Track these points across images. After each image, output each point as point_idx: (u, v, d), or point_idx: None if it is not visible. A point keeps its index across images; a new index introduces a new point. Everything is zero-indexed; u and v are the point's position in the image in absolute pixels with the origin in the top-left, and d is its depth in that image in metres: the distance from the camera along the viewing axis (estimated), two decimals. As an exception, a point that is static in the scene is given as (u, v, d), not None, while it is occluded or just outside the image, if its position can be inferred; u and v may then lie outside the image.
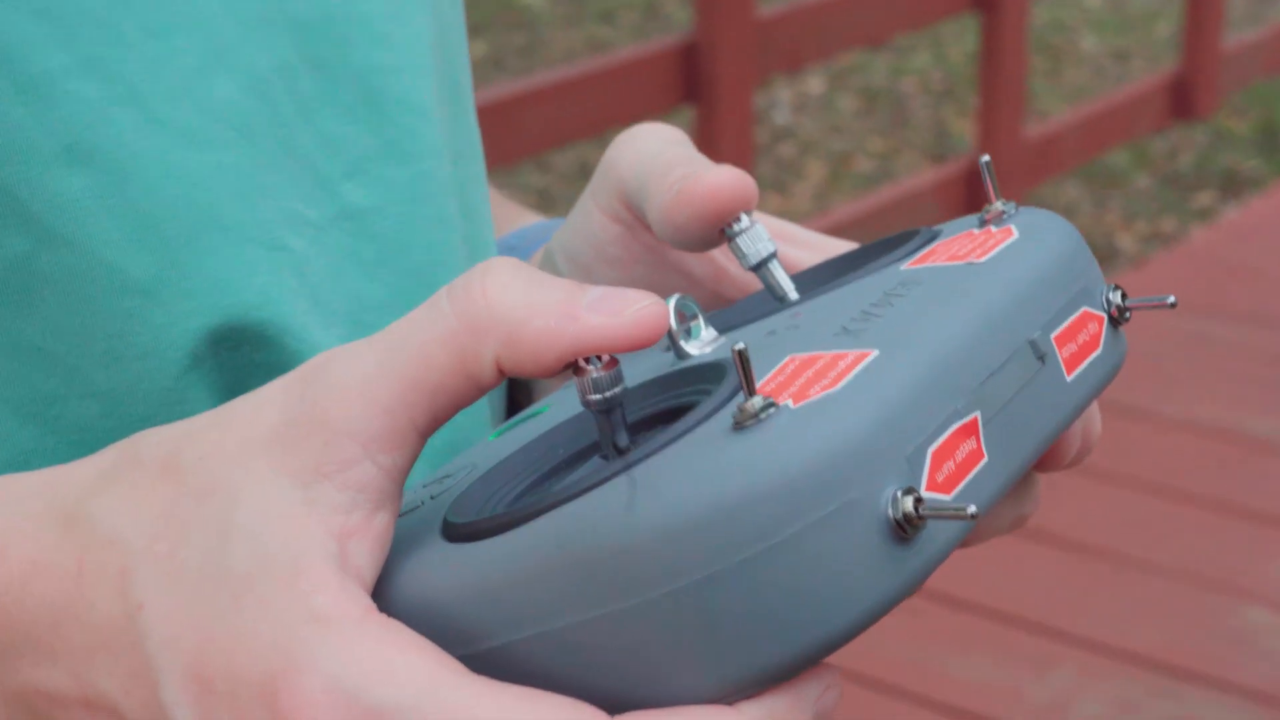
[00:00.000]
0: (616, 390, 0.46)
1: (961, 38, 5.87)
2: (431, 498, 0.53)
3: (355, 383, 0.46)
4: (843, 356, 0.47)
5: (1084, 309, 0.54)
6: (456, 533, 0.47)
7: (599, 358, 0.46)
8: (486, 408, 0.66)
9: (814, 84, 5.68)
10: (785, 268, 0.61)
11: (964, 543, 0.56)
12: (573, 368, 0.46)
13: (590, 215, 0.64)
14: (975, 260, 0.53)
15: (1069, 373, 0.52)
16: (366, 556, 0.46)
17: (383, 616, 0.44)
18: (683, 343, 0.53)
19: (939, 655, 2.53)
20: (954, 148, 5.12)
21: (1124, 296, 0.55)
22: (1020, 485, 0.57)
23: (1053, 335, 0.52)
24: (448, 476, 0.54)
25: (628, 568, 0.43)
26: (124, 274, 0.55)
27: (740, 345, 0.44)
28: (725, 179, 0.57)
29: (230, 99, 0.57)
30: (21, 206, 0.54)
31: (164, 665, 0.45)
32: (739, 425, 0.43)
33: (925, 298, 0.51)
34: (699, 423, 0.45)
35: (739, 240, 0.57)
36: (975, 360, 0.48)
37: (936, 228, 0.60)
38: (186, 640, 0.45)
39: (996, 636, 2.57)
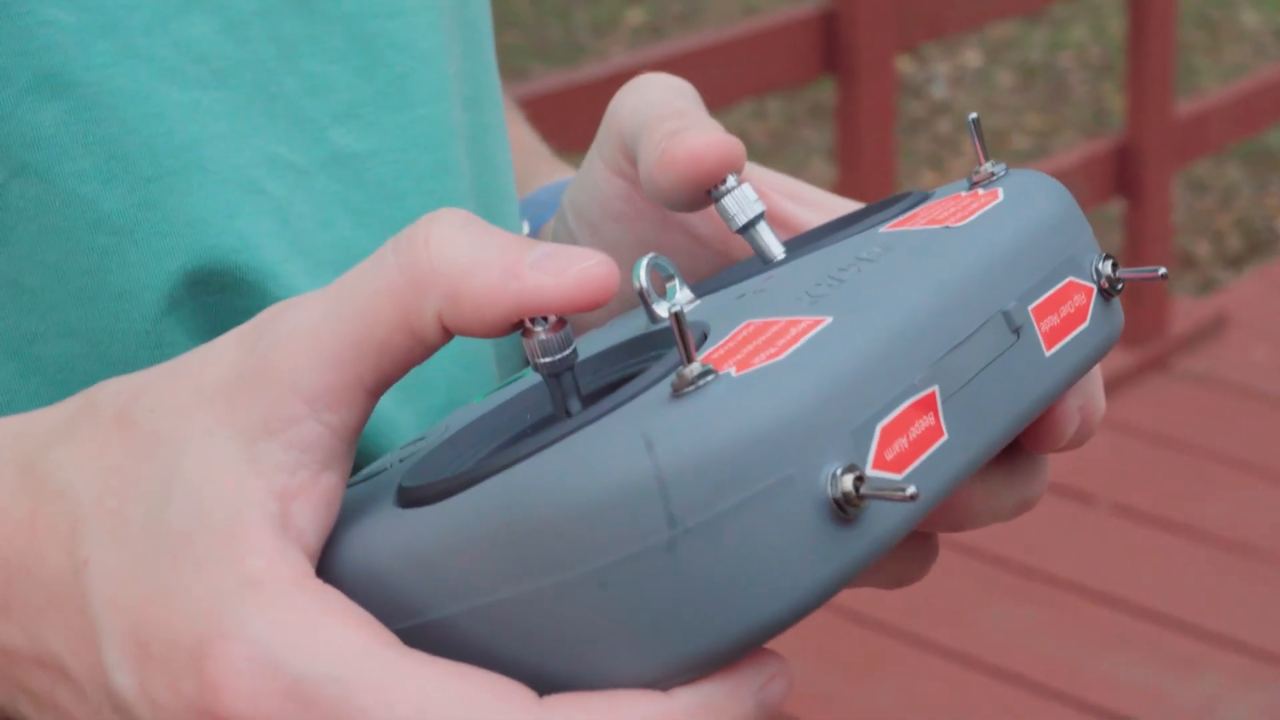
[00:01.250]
0: (565, 353, 0.45)
1: (1120, 9, 5.72)
2: (400, 460, 0.51)
3: (302, 336, 0.45)
4: (796, 323, 0.45)
5: (1069, 279, 0.51)
6: (406, 498, 0.46)
7: (545, 319, 0.45)
8: (493, 365, 0.65)
9: (971, 57, 5.56)
10: (792, 228, 0.59)
11: (954, 525, 0.55)
12: (520, 329, 0.45)
13: (595, 169, 0.62)
14: (952, 224, 0.51)
15: (1049, 347, 0.50)
16: (310, 518, 0.45)
17: (318, 583, 0.44)
18: (654, 305, 0.51)
19: (1087, 653, 2.47)
20: (1112, 125, 4.97)
21: (1115, 266, 0.52)
22: (1024, 466, 0.55)
23: (1031, 306, 0.49)
24: (421, 440, 0.53)
25: (555, 541, 0.41)
26: (98, 209, 0.54)
27: (677, 308, 0.42)
28: (707, 141, 0.54)
29: (206, 38, 0.56)
30: None
31: (105, 626, 0.44)
32: (676, 393, 0.42)
33: (893, 263, 0.49)
34: (640, 391, 0.43)
35: (724, 202, 0.55)
36: (937, 331, 0.46)
37: (929, 191, 0.57)
38: (127, 600, 0.44)
39: (1147, 636, 2.52)
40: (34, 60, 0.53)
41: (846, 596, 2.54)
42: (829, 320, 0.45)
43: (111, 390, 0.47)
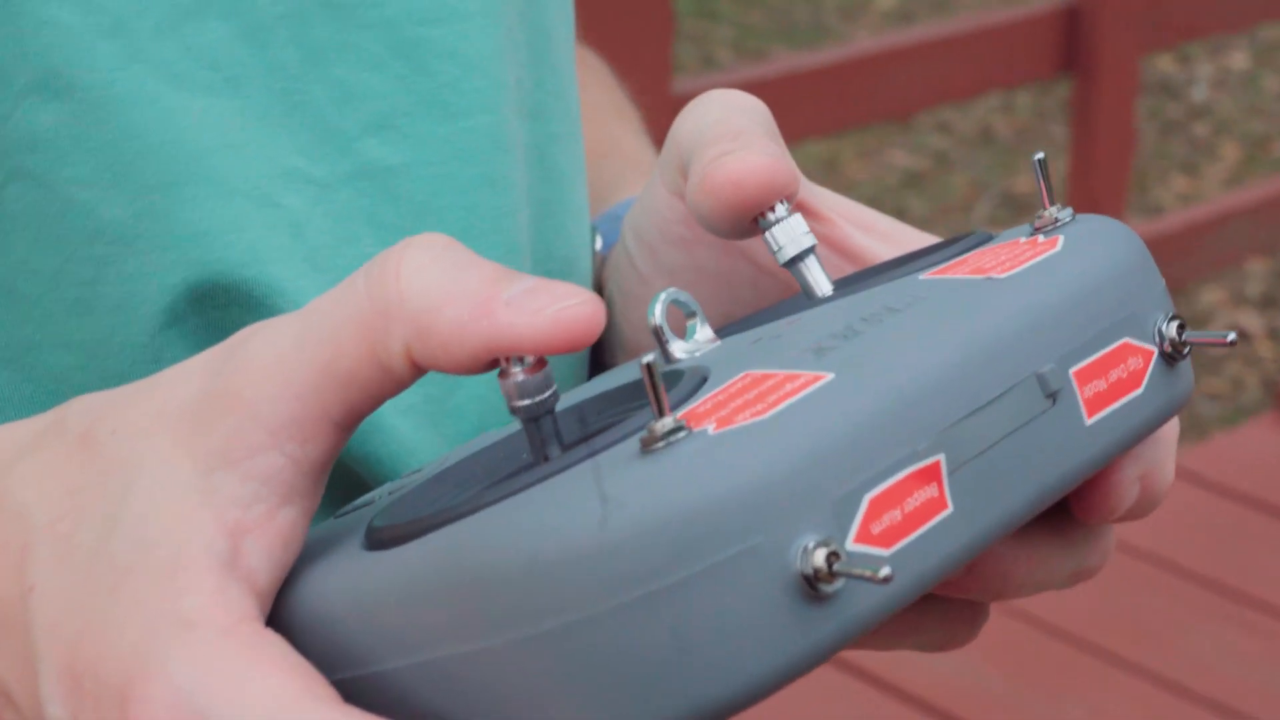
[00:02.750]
0: (543, 397, 0.42)
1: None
2: (390, 493, 0.49)
3: (269, 363, 0.43)
4: (794, 378, 0.42)
5: (1125, 340, 0.47)
6: (371, 539, 0.44)
7: (522, 359, 0.42)
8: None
9: (1238, 60, 5.40)
10: (862, 261, 0.56)
11: (993, 594, 0.51)
12: (496, 367, 0.42)
13: (655, 190, 0.58)
14: (996, 275, 0.47)
15: (1090, 415, 0.46)
16: (263, 556, 0.43)
17: (256, 627, 0.41)
18: (670, 344, 0.49)
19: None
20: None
21: (1182, 329, 0.49)
22: (1079, 535, 0.52)
23: (1073, 369, 0.46)
24: (418, 472, 0.51)
25: (502, 600, 0.39)
26: (97, 218, 0.52)
27: (649, 359, 0.39)
28: (751, 167, 0.51)
29: (221, 43, 0.54)
30: None
31: (44, 655, 0.43)
32: (644, 449, 0.39)
33: (918, 316, 0.45)
34: (613, 443, 0.41)
35: (771, 233, 0.52)
36: (951, 394, 0.43)
37: (993, 234, 0.53)
38: (66, 631, 0.42)
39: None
40: (34, 61, 0.51)
41: (1037, 606, 2.50)
42: (829, 378, 0.42)
43: (80, 408, 0.46)
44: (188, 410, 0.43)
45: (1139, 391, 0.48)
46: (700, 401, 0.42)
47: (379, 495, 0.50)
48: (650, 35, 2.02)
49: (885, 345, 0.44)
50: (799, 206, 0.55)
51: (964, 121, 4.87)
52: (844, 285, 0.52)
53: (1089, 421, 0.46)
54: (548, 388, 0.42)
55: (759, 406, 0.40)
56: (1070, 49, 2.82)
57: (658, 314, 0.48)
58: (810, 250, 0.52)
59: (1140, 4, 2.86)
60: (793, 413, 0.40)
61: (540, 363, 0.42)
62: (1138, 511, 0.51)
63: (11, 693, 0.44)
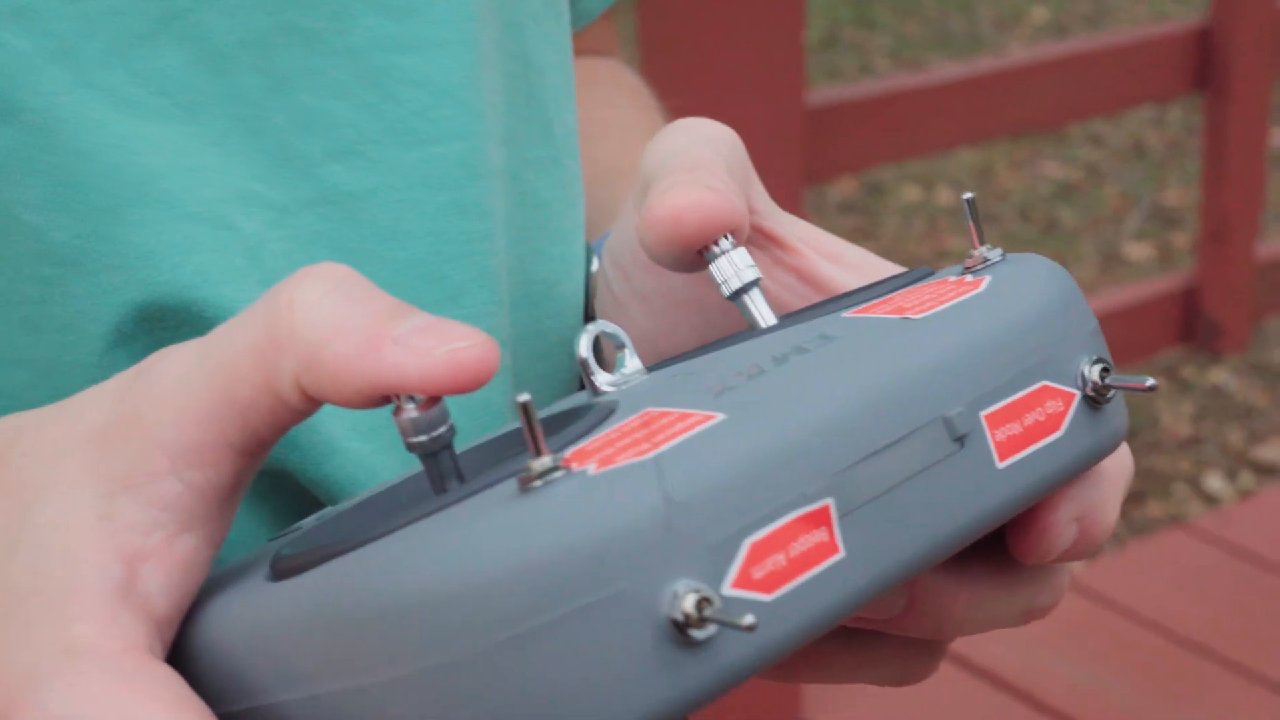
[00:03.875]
0: (437, 433, 0.41)
1: None
2: (318, 519, 0.48)
3: (170, 387, 0.43)
4: (686, 417, 0.41)
5: (1043, 384, 0.47)
6: (275, 570, 0.43)
7: (414, 397, 0.41)
8: (506, 414, 0.60)
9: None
10: (829, 290, 0.55)
11: (932, 632, 0.51)
12: (389, 403, 0.41)
13: (628, 215, 0.58)
14: (912, 315, 0.47)
15: (1003, 458, 0.45)
16: (161, 583, 0.42)
17: (142, 657, 0.41)
18: (595, 377, 0.48)
19: None
20: None
21: (1105, 373, 0.48)
22: (1025, 575, 0.51)
23: (984, 412, 0.45)
24: (354, 498, 0.50)
25: (377, 639, 0.38)
26: (44, 239, 0.52)
27: (524, 397, 0.38)
28: (692, 201, 0.50)
29: (173, 70, 0.54)
30: None
31: None
32: (522, 488, 0.38)
33: (827, 357, 0.45)
34: (496, 481, 0.40)
35: (715, 266, 0.51)
36: (847, 438, 0.42)
37: (933, 270, 0.54)
38: None
39: None
40: None
41: (1164, 614, 2.50)
42: (718, 419, 0.41)
43: (2, 427, 0.46)
44: (94, 434, 0.43)
45: (1058, 434, 0.47)
46: (593, 439, 0.41)
47: (308, 522, 0.49)
48: (782, 50, 2.02)
49: (784, 386, 0.43)
50: (768, 237, 0.55)
51: (1116, 134, 4.83)
52: (788, 320, 0.52)
53: (1001, 465, 0.45)
54: (441, 423, 0.41)
55: (644, 446, 0.40)
56: (1203, 68, 2.82)
57: (583, 346, 0.47)
58: (754, 284, 0.51)
59: (1269, 28, 2.84)
60: (675, 453, 0.39)
61: (434, 399, 0.41)
62: (1077, 553, 0.50)
63: None
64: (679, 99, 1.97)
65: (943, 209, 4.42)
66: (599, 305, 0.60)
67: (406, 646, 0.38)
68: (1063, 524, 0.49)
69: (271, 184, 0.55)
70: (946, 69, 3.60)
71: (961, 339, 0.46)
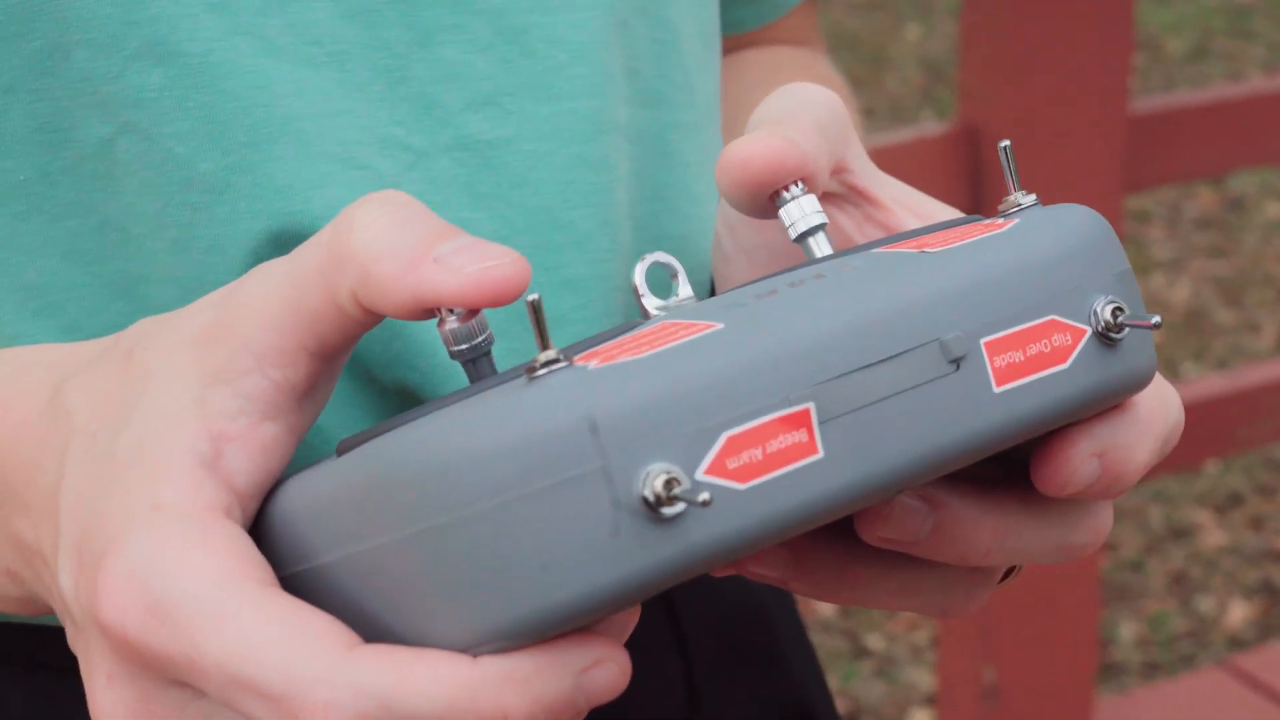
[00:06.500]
0: (477, 341, 0.46)
1: None
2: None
3: (256, 299, 0.48)
4: (690, 326, 0.45)
5: (1051, 317, 0.49)
6: (338, 449, 0.48)
7: (454, 310, 0.46)
8: None
9: None
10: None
11: (958, 557, 0.52)
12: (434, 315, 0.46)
13: None
14: (930, 250, 0.50)
15: (999, 383, 0.47)
16: (243, 462, 0.47)
17: (215, 515, 0.46)
18: (644, 300, 0.51)
19: None
20: None
21: (1117, 312, 0.49)
22: (1056, 511, 0.53)
23: (985, 339, 0.47)
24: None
25: (394, 502, 0.43)
26: (193, 169, 0.58)
27: (533, 297, 0.43)
28: (758, 148, 0.53)
29: (325, 21, 0.59)
30: (104, 96, 0.58)
31: (64, 532, 0.48)
32: (529, 377, 0.43)
33: (838, 283, 0.48)
34: (515, 376, 0.45)
35: (782, 211, 0.54)
36: (836, 352, 0.45)
37: (978, 216, 0.55)
38: (79, 512, 0.48)
39: None
40: (142, 30, 0.57)
41: None
42: (717, 327, 0.45)
43: (136, 329, 0.52)
44: (198, 335, 0.48)
45: (1063, 367, 0.49)
46: (610, 343, 0.45)
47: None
48: (1109, 56, 2.00)
49: (787, 305, 0.46)
50: (861, 194, 0.58)
51: None
52: (833, 255, 0.54)
53: (998, 390, 0.47)
54: (480, 334, 0.46)
55: (643, 348, 0.44)
56: None
57: (637, 274, 0.51)
58: (819, 228, 0.53)
59: None
60: (665, 355, 0.43)
61: (473, 312, 0.46)
62: (1102, 490, 0.52)
63: (48, 562, 0.50)
64: (1000, 105, 1.95)
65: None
66: (712, 260, 0.63)
67: (410, 509, 0.43)
68: (1081, 457, 0.51)
69: (411, 130, 0.61)
70: (1275, 80, 3.45)
71: (969, 271, 0.48)
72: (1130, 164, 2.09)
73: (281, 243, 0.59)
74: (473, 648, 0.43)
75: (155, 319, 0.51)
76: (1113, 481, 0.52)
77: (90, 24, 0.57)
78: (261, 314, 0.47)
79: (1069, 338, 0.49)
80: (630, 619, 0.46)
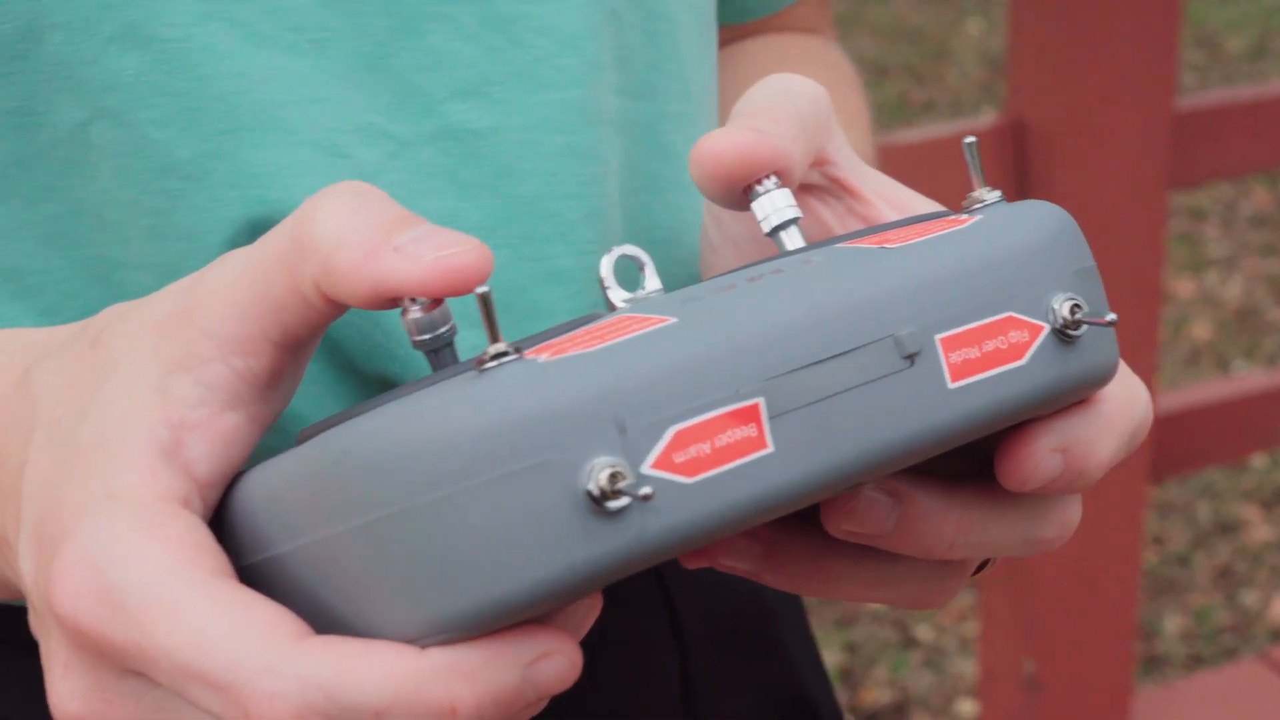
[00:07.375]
0: (440, 331, 0.46)
1: None
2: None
3: (221, 286, 0.47)
4: (644, 320, 0.45)
5: (1008, 314, 0.49)
6: (298, 439, 0.47)
7: (416, 299, 0.45)
8: None
9: None
10: None
11: (923, 550, 0.52)
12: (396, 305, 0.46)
13: None
14: (890, 245, 0.49)
15: (954, 379, 0.47)
16: (204, 450, 0.47)
17: (171, 505, 0.46)
18: (610, 294, 0.51)
19: None
20: None
21: (1074, 309, 0.50)
22: (1023, 505, 0.53)
23: (940, 335, 0.47)
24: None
25: (342, 493, 0.43)
26: (170, 155, 0.58)
27: (483, 289, 0.43)
28: (731, 141, 0.52)
29: (306, 7, 0.59)
30: (78, 80, 0.57)
31: (25, 517, 0.48)
32: (479, 370, 0.43)
33: (794, 278, 0.48)
34: (466, 368, 0.44)
35: (755, 204, 0.53)
36: (787, 347, 0.45)
37: (946, 211, 0.55)
38: (40, 498, 0.47)
39: None
40: (119, 13, 0.56)
41: None
42: (670, 322, 0.45)
43: (106, 315, 0.51)
44: (162, 322, 0.48)
45: (1019, 363, 0.49)
46: (565, 336, 0.45)
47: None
48: (1157, 51, 2.01)
49: (742, 299, 0.46)
50: (844, 187, 0.57)
51: None
52: (799, 250, 0.53)
53: (953, 386, 0.47)
54: (441, 324, 0.45)
55: (594, 342, 0.43)
56: None
57: (604, 266, 0.51)
58: (791, 222, 0.53)
59: None
60: (615, 349, 0.43)
61: (436, 302, 0.45)
62: (1065, 485, 0.51)
63: (12, 546, 0.49)
64: (1049, 100, 1.96)
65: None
66: (700, 252, 0.63)
67: (358, 500, 0.43)
68: (1043, 453, 0.51)
69: (393, 118, 0.60)
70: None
71: (925, 267, 0.48)
72: (1179, 160, 2.10)
73: (259, 230, 0.58)
74: (421, 639, 0.43)
75: (125, 305, 0.51)
76: (1076, 477, 0.51)
77: (65, 6, 0.57)
78: (225, 302, 0.47)
79: (1026, 334, 0.49)
80: (590, 613, 0.46)
